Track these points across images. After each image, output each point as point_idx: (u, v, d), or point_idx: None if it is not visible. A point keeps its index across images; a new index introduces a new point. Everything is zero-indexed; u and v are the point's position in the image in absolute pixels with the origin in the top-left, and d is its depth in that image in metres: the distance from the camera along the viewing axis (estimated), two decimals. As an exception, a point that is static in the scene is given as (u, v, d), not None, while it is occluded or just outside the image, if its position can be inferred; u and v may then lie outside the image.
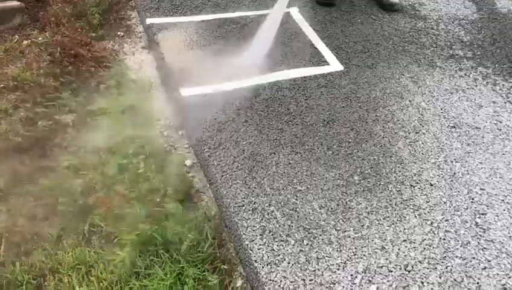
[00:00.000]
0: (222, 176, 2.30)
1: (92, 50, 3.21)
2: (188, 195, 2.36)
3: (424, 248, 2.03)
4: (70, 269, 1.94)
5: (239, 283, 2.01)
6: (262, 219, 2.09)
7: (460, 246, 2.05)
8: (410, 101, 2.89)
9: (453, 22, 3.82)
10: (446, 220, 2.16)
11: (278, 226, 2.07)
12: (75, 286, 1.89)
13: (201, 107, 2.67)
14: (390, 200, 2.24)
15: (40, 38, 3.33)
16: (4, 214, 2.11)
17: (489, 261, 2.00)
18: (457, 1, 4.15)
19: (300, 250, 1.98)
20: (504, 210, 2.23)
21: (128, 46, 3.43)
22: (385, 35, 3.56)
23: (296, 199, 2.20)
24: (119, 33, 3.56)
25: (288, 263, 1.92)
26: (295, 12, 3.70)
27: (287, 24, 3.55)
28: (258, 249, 1.97)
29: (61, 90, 2.82)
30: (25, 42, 3.32)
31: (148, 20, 3.40)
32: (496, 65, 3.33)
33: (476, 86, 3.10)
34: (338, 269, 1.92)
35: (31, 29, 3.45)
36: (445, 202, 2.25)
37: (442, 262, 1.98)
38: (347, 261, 1.95)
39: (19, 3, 3.42)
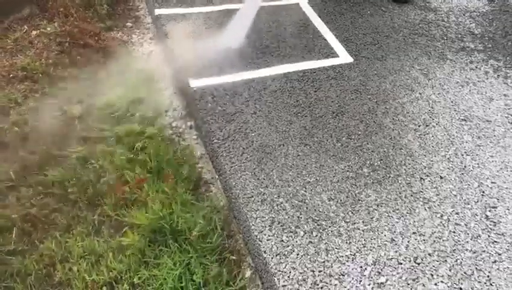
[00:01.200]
0: (231, 167, 2.29)
1: (101, 40, 3.21)
2: (197, 185, 2.35)
3: (434, 241, 2.02)
4: (80, 258, 1.94)
5: (248, 273, 2.01)
6: (271, 210, 2.09)
7: (471, 239, 2.04)
8: (420, 93, 2.87)
9: (464, 14, 3.78)
10: (456, 213, 2.15)
11: (287, 217, 2.07)
12: (84, 275, 1.89)
13: (210, 98, 2.66)
14: (400, 193, 2.23)
15: (48, 29, 3.33)
16: (15, 203, 2.11)
17: (499, 254, 1.99)
18: (468, -7, 4.10)
19: (310, 241, 1.97)
20: (515, 204, 2.21)
21: (137, 36, 3.42)
22: (395, 27, 3.52)
23: (305, 191, 2.19)
24: (127, 24, 3.55)
25: (298, 254, 1.92)
26: (304, 4, 3.67)
27: (296, 15, 3.53)
28: (267, 240, 1.97)
29: (70, 81, 2.81)
30: (34, 32, 3.32)
31: (157, 11, 3.39)
32: (508, 58, 3.29)
33: (487, 78, 3.06)
34: (347, 261, 1.91)
35: (39, 19, 3.45)
36: (455, 195, 2.24)
37: (452, 255, 1.97)
38: (356, 253, 1.94)
39: (28, -7, 3.42)
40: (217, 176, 2.41)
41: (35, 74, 2.86)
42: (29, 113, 2.57)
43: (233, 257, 2.05)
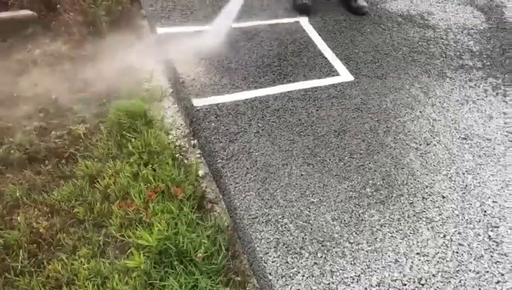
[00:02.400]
0: (235, 187, 2.31)
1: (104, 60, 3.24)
2: (200, 205, 2.37)
3: (438, 261, 2.04)
4: (85, 281, 1.95)
5: (253, 295, 2.02)
6: (276, 231, 2.11)
7: (474, 260, 2.06)
8: (420, 112, 2.90)
9: (462, 32, 3.83)
10: (459, 233, 2.17)
11: (291, 238, 2.08)
12: (90, 298, 1.90)
13: (213, 117, 2.69)
14: (403, 213, 2.25)
15: (52, 48, 3.37)
16: (22, 224, 2.12)
17: (502, 275, 2.01)
18: (466, 10, 4.16)
19: (315, 263, 1.99)
20: (517, 223, 2.24)
21: (139, 54, 3.45)
22: (394, 45, 3.57)
23: (309, 211, 2.21)
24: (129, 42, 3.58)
25: (303, 276, 1.94)
26: (305, 23, 3.72)
27: (297, 34, 3.58)
28: (273, 261, 1.98)
29: (74, 101, 2.84)
30: (37, 51, 3.36)
31: (159, 30, 3.43)
32: (506, 75, 3.34)
33: (486, 96, 3.11)
34: (352, 283, 1.93)
35: (43, 38, 3.48)
36: (457, 215, 2.26)
37: (456, 276, 1.99)
38: (361, 275, 1.96)
39: (31, 12, 3.46)
40: (220, 196, 2.43)
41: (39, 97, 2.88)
42: (34, 134, 2.59)
43: (238, 278, 2.07)
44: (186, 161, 2.62)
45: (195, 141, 2.75)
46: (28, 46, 3.36)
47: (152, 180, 2.34)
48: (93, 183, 2.36)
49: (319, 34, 3.59)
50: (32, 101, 2.82)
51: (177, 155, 2.61)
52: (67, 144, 2.57)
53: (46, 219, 2.18)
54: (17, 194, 2.26)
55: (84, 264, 2.01)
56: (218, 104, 2.82)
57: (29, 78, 3.02)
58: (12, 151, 2.48)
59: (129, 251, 2.10)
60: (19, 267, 1.97)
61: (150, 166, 2.44)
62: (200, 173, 2.55)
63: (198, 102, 2.82)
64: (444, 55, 3.50)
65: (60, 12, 3.59)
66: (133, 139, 2.53)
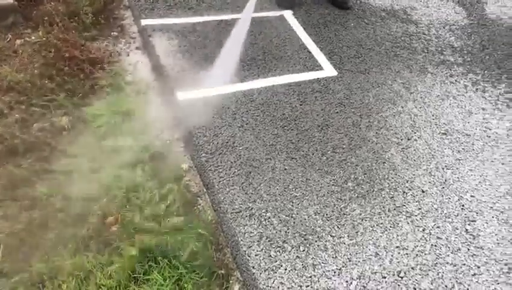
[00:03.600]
0: (219, 181, 2.33)
1: (86, 51, 3.19)
2: (185, 200, 2.38)
3: (417, 255, 2.09)
4: (69, 276, 1.95)
5: (236, 287, 2.04)
6: (259, 225, 2.13)
7: (451, 253, 2.12)
8: (402, 107, 2.95)
9: (444, 27, 3.89)
10: (438, 227, 2.23)
11: (274, 232, 2.11)
12: (74, 292, 1.90)
13: (197, 110, 2.69)
14: (384, 207, 2.30)
15: (33, 38, 3.31)
16: (1, 220, 2.10)
17: (478, 267, 2.07)
18: (447, 6, 4.22)
19: (297, 256, 2.02)
20: (493, 217, 2.30)
21: (123, 46, 3.41)
22: (377, 40, 3.61)
23: (292, 205, 2.24)
24: (112, 33, 3.54)
25: (286, 269, 1.97)
26: (289, 16, 3.73)
27: (281, 27, 3.58)
28: (256, 255, 2.01)
29: (57, 92, 2.80)
30: (18, 41, 3.29)
31: (143, 22, 3.39)
32: (485, 72, 3.40)
33: (466, 92, 3.17)
34: (333, 275, 1.97)
35: (24, 28, 3.42)
36: (436, 209, 2.32)
37: (434, 268, 2.04)
38: (342, 268, 2.00)
39: (11, 1, 3.39)
40: (204, 190, 2.44)
41: (20, 85, 2.83)
42: (15, 126, 2.55)
43: (222, 272, 2.08)
44: (169, 155, 2.61)
45: (179, 134, 2.74)
46: (9, 35, 3.29)
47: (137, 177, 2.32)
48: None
49: (304, 28, 3.60)
50: (13, 91, 2.77)
51: (161, 151, 2.60)
52: (48, 137, 2.54)
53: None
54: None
55: (66, 260, 2.00)
56: (202, 97, 2.82)
57: (10, 67, 2.96)
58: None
59: (112, 246, 2.09)
60: None
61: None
62: (184, 166, 2.55)
63: (182, 95, 2.81)
64: (426, 51, 3.55)
65: (41, 2, 3.53)
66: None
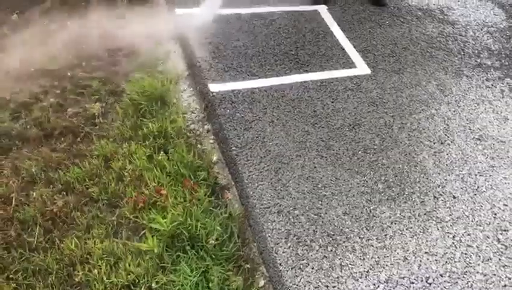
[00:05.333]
0: (249, 175, 2.33)
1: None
2: (213, 191, 2.38)
3: (446, 262, 2.06)
4: (99, 260, 1.98)
5: (261, 283, 2.05)
6: (287, 222, 2.13)
7: (482, 262, 2.08)
8: (436, 110, 2.89)
9: (481, 29, 3.79)
10: (468, 235, 2.19)
11: (302, 230, 2.11)
12: (103, 277, 1.93)
13: (229, 104, 2.69)
14: (414, 211, 2.27)
15: (68, 23, 3.35)
16: (37, 200, 2.15)
17: (509, 279, 2.03)
18: (486, 7, 4.10)
19: (324, 256, 2.02)
20: (526, 228, 2.25)
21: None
22: (413, 39, 3.54)
23: (321, 204, 2.23)
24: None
25: (312, 268, 1.97)
26: (323, 11, 3.68)
27: (315, 22, 3.55)
28: (283, 252, 2.01)
29: (91, 79, 2.84)
30: (54, 26, 3.34)
31: (178, 11, 3.40)
32: (524, 77, 3.31)
33: (503, 97, 3.09)
34: (361, 277, 1.96)
35: (59, 12, 3.46)
36: (467, 216, 2.28)
37: (463, 277, 2.01)
38: (370, 270, 1.99)
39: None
40: (233, 183, 2.45)
41: (55, 70, 2.88)
42: (50, 110, 2.60)
43: (248, 266, 2.09)
44: (200, 146, 2.62)
45: (209, 126, 2.75)
46: (45, 20, 3.34)
47: (166, 165, 2.35)
48: (108, 164, 2.38)
49: (338, 24, 3.55)
50: (49, 76, 2.82)
51: (191, 140, 2.61)
52: (82, 122, 2.58)
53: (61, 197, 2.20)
54: (33, 170, 2.28)
55: (97, 244, 2.04)
56: (234, 90, 2.82)
57: (46, 52, 3.01)
58: (28, 127, 2.49)
59: (142, 232, 2.12)
60: (35, 243, 2.00)
61: (164, 150, 2.44)
62: (213, 158, 2.56)
63: (214, 87, 2.82)
64: (462, 53, 3.47)
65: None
66: (149, 124, 2.53)
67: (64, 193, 2.23)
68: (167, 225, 2.07)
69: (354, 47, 3.34)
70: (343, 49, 3.31)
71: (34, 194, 2.20)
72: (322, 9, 3.72)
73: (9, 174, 2.26)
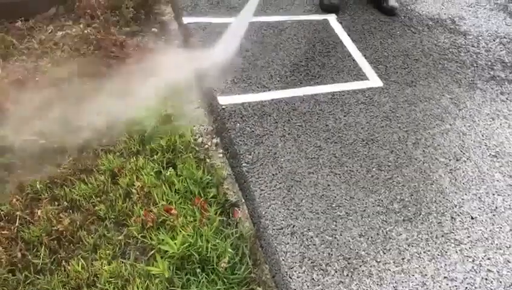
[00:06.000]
0: (260, 194, 2.26)
1: (126, 48, 3.15)
2: (223, 208, 2.31)
3: (466, 287, 1.99)
4: (106, 283, 1.91)
5: (274, 307, 1.98)
6: (301, 245, 2.06)
7: (503, 288, 2.01)
8: (450, 125, 2.82)
9: (494, 40, 3.72)
10: (488, 259, 2.12)
11: (317, 253, 2.04)
12: (110, 301, 1.86)
13: (239, 117, 2.62)
14: (431, 233, 2.19)
15: (74, 30, 3.29)
16: (42, 219, 2.07)
17: (532, 306, 1.96)
18: (498, 17, 4.04)
19: (340, 281, 1.94)
20: (548, 252, 2.18)
21: (163, 43, 3.36)
22: (424, 50, 3.47)
23: (336, 225, 2.16)
24: (152, 29, 3.49)
25: (328, 294, 1.89)
26: (333, 20, 3.62)
27: (325, 32, 3.48)
28: (298, 277, 1.94)
29: (95, 91, 2.76)
30: (59, 33, 3.28)
31: (185, 19, 3.33)
32: (539, 91, 3.24)
33: (518, 112, 3.02)
34: (378, 305, 1.89)
35: (65, 19, 3.41)
36: (486, 238, 2.20)
37: (485, 304, 1.94)
38: (387, 297, 1.92)
39: (55, -8, 3.37)
40: (243, 200, 2.37)
41: (60, 81, 2.81)
42: (55, 123, 2.53)
43: (260, 289, 2.02)
44: (208, 160, 2.54)
45: (218, 140, 2.68)
46: (50, 27, 3.28)
47: (176, 181, 2.27)
48: (115, 179, 2.30)
49: (348, 34, 3.49)
50: (53, 87, 2.75)
51: (200, 154, 2.54)
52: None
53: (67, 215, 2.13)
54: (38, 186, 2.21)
55: (104, 266, 1.97)
56: (243, 103, 2.76)
57: (51, 61, 2.94)
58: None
59: (150, 253, 2.05)
60: (40, 264, 1.93)
61: (173, 166, 2.37)
62: (223, 174, 2.48)
63: (224, 100, 2.75)
64: (475, 65, 3.40)
65: (83, -6, 3.50)
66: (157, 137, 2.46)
67: (70, 211, 2.16)
68: (177, 246, 2.00)
69: (365, 58, 3.27)
70: (354, 60, 3.24)
71: (39, 212, 2.12)
72: (332, 18, 3.66)
73: (13, 191, 2.19)
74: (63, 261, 1.97)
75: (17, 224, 2.06)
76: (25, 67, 2.88)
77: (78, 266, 1.95)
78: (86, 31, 3.24)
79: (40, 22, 3.30)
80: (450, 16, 3.97)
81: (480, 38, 3.74)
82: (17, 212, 2.09)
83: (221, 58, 2.95)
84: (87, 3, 3.43)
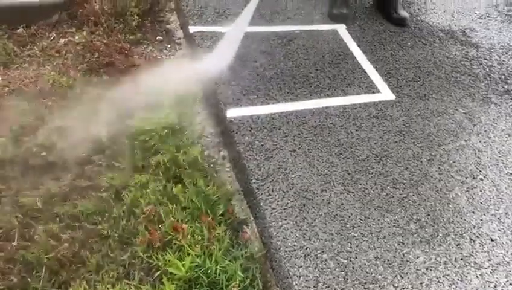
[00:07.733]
0: (271, 213, 2.16)
1: (130, 57, 3.06)
2: (232, 226, 2.21)
3: (489, 316, 1.89)
4: (110, 308, 1.80)
5: (287, 334, 1.88)
6: (315, 268, 1.95)
7: (527, 317, 1.91)
8: (465, 141, 2.73)
9: (506, 53, 3.64)
10: (510, 284, 2.02)
11: (332, 277, 1.93)
12: (114, 327, 1.75)
13: (247, 130, 2.52)
14: (450, 255, 2.09)
15: (77, 38, 3.20)
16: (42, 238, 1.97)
17: (558, 336, 1.86)
18: (509, 29, 3.96)
19: (357, 308, 1.84)
20: None
21: (168, 52, 3.28)
22: (436, 62, 3.39)
23: (351, 247, 2.06)
24: (158, 37, 3.40)
25: (345, 323, 1.79)
26: (342, 31, 3.53)
27: (334, 43, 3.40)
28: (313, 303, 1.83)
29: (97, 101, 2.66)
30: (62, 41, 3.19)
31: (192, 28, 3.24)
32: (554, 106, 3.16)
33: (534, 128, 2.93)
34: (398, 334, 1.78)
35: (68, 26, 3.31)
36: (508, 262, 2.11)
37: (509, 334, 1.84)
38: (407, 326, 1.81)
39: (60, -1, 3.28)
40: (251, 217, 2.27)
41: (61, 89, 2.72)
42: (56, 134, 2.43)
43: (272, 315, 1.92)
44: (215, 175, 2.45)
45: (225, 153, 2.58)
46: (53, 34, 3.18)
47: (182, 199, 2.17)
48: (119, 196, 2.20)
49: (358, 45, 3.40)
50: (54, 96, 2.65)
51: (207, 169, 2.44)
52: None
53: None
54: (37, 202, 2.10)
55: (109, 288, 1.86)
56: (252, 115, 2.66)
57: (53, 69, 2.85)
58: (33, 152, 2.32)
59: (156, 274, 1.95)
60: (40, 288, 1.82)
61: (179, 181, 2.27)
62: (232, 190, 2.39)
63: (231, 112, 2.65)
64: (489, 78, 3.32)
65: (88, 1, 3.40)
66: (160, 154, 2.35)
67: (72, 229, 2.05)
68: (185, 268, 1.90)
69: (376, 70, 3.19)
70: (365, 72, 3.15)
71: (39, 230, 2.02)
72: (341, 28, 3.57)
73: (12, 208, 2.08)
74: (65, 284, 1.87)
75: (14, 243, 1.95)
76: (27, 75, 2.77)
77: (81, 288, 1.85)
78: (89, 39, 3.14)
79: (42, 28, 3.20)
80: (460, 28, 3.89)
81: (492, 50, 3.66)
82: (15, 230, 1.98)
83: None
84: (91, 10, 3.34)
